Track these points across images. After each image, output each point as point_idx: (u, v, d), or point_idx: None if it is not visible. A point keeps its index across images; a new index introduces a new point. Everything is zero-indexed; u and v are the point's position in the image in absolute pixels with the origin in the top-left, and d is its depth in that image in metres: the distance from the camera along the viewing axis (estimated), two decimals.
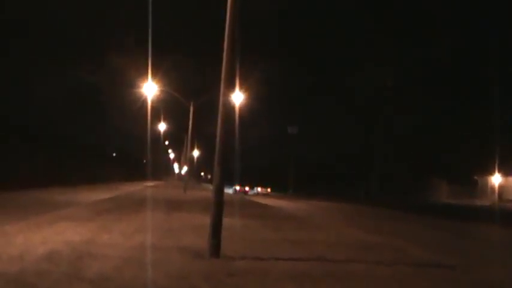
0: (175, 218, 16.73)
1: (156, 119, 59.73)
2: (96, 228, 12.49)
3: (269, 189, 76.09)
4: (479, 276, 9.27)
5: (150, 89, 36.13)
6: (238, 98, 37.96)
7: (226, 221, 16.30)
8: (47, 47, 44.60)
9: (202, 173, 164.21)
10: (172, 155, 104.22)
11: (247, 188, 75.21)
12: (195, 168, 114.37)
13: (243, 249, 10.41)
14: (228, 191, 66.24)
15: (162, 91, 38.66)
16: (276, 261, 9.13)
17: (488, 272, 9.96)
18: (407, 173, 58.45)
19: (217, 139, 9.52)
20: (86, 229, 12.21)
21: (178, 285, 6.69)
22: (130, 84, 38.48)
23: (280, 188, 70.67)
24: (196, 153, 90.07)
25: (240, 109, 41.51)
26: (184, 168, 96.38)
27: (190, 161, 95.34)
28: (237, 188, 70.22)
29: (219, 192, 9.46)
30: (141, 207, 20.69)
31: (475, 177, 63.12)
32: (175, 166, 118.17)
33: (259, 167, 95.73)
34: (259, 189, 77.66)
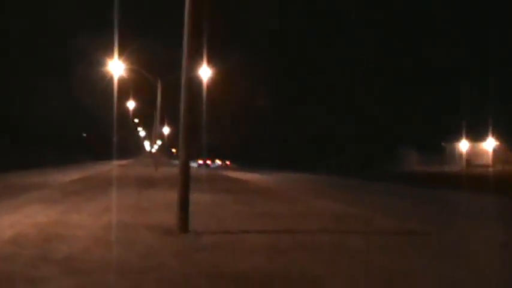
0: (146, 196, 16.75)
1: (125, 98, 59.30)
2: (66, 210, 12.44)
3: (228, 162, 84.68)
4: (446, 240, 9.47)
5: (116, 66, 35.98)
6: (205, 73, 37.90)
7: (195, 196, 16.40)
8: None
9: (174, 150, 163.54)
10: (143, 133, 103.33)
11: (208, 162, 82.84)
12: (166, 145, 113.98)
13: (212, 224, 10.50)
14: (193, 165, 76.11)
15: (129, 69, 38.42)
16: (245, 235, 9.23)
17: (454, 235, 10.19)
18: (377, 143, 58.96)
19: (182, 117, 9.50)
20: (55, 211, 12.16)
21: (147, 263, 6.71)
22: (98, 63, 38.19)
23: (254, 162, 70.65)
24: (166, 130, 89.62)
25: (211, 86, 41.46)
26: (156, 146, 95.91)
27: (161, 138, 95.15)
28: (200, 161, 78.09)
29: (185, 168, 9.50)
30: (111, 187, 20.63)
31: (443, 144, 64.08)
32: (147, 144, 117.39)
33: (234, 142, 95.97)
34: (219, 162, 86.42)
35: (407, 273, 6.58)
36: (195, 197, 16.25)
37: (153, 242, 8.33)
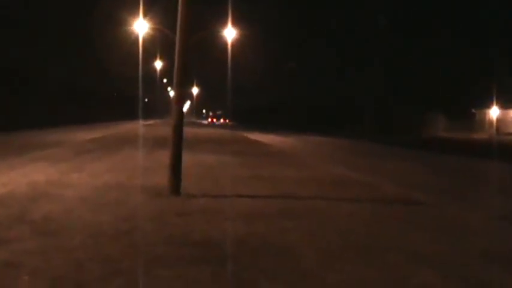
0: (156, 157, 16.63)
1: (153, 58, 59.54)
2: (68, 169, 12.43)
3: (227, 120, 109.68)
4: (444, 212, 9.11)
5: (141, 26, 36.15)
6: (230, 33, 37.40)
7: (203, 158, 16.37)
8: None
9: (204, 110, 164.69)
10: (172, 93, 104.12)
11: (214, 120, 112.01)
12: (194, 105, 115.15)
13: (209, 187, 10.33)
14: (204, 121, 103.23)
15: (154, 29, 38.46)
16: (237, 199, 9.02)
17: (457, 207, 9.79)
18: (404, 107, 57.61)
19: (175, 77, 9.28)
20: (57, 169, 12.16)
21: (121, 227, 6.56)
22: (123, 23, 38.29)
23: (278, 125, 69.85)
24: (195, 90, 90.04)
25: (236, 46, 41.01)
26: (185, 106, 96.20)
27: (189, 99, 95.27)
28: (209, 120, 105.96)
29: (178, 130, 9.32)
30: (125, 146, 20.61)
31: (473, 111, 62.65)
32: None
33: (256, 105, 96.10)
34: (221, 120, 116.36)
35: (386, 244, 6.31)
36: (201, 158, 16.22)
37: (139, 204, 8.20)
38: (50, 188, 9.35)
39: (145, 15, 35.62)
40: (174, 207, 8.01)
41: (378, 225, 7.41)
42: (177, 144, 9.25)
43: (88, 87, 58.52)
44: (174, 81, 9.32)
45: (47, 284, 4.44)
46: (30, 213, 7.17)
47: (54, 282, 4.47)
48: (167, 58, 57.68)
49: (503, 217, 8.90)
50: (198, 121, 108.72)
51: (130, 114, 75.88)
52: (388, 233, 6.95)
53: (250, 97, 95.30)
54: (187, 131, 39.31)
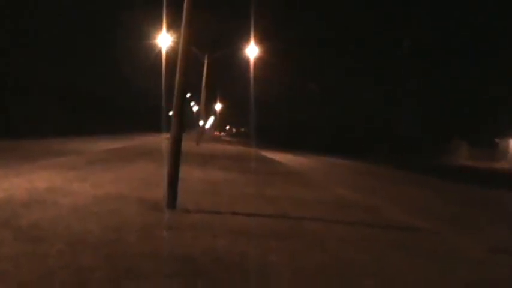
0: (164, 170, 16.65)
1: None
2: (74, 177, 12.45)
3: (223, 133, 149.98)
4: (441, 240, 8.99)
5: (164, 40, 36.79)
6: (253, 51, 37.50)
7: (212, 173, 16.37)
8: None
9: (228, 127, 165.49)
10: (195, 108, 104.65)
11: (220, 132, 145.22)
12: (218, 120, 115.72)
13: (208, 203, 10.28)
14: (226, 138, 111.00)
15: (178, 43, 38.93)
16: (231, 216, 8.98)
17: (455, 236, 9.67)
18: (426, 133, 57.21)
19: (176, 90, 9.33)
20: (62, 177, 12.18)
21: (106, 237, 6.56)
22: (149, 37, 38.91)
23: (298, 144, 69.55)
24: (218, 106, 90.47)
25: (258, 64, 41.14)
26: (209, 121, 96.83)
27: (213, 114, 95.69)
28: (216, 132, 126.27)
29: (176, 144, 9.30)
30: (139, 158, 20.65)
31: (496, 140, 61.67)
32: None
33: (277, 123, 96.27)
34: (223, 133, 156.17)
35: (367, 270, 6.22)
36: (210, 174, 16.20)
37: (131, 216, 8.18)
38: (48, 195, 9.39)
39: (169, 29, 36.12)
40: (166, 220, 8.01)
41: (366, 250, 7.31)
42: (175, 158, 9.25)
43: (111, 98, 59.39)
44: (175, 95, 9.37)
45: None
46: (19, 218, 7.20)
47: None
48: (193, 72, 58.01)
49: (503, 250, 8.75)
50: (222, 137, 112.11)
51: (154, 127, 76.82)
52: (374, 258, 6.86)
53: (273, 115, 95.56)
54: (205, 146, 39.68)
